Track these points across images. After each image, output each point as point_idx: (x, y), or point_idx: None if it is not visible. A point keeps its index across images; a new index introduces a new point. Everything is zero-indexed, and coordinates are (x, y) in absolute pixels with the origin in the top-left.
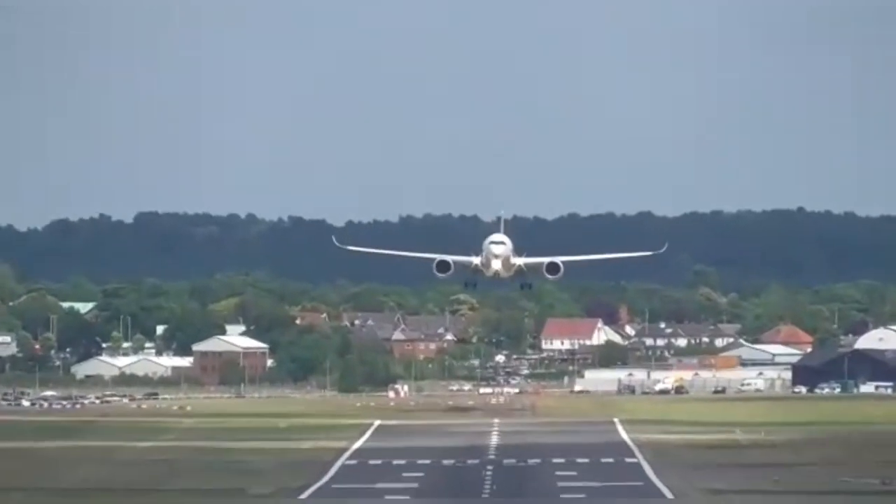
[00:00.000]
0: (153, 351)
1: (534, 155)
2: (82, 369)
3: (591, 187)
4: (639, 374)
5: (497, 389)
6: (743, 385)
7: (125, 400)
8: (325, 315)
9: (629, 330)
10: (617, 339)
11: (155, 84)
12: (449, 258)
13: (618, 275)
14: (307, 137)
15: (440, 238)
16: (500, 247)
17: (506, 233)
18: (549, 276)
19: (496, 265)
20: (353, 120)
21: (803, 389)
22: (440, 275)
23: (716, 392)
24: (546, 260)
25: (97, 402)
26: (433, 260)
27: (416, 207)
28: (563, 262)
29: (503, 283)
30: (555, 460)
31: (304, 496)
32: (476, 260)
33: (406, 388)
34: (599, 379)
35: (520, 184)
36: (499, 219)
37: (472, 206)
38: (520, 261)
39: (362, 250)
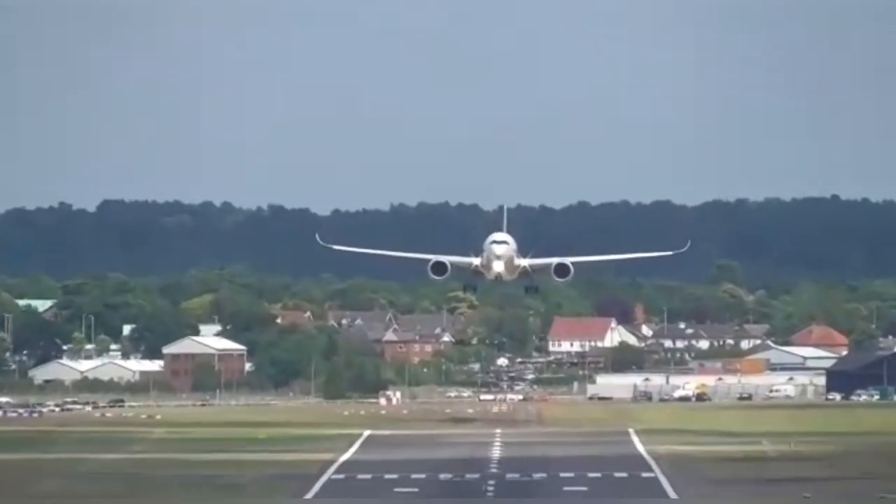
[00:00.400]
0: (119, 353)
1: (539, 138)
2: (40, 373)
3: (602, 173)
4: (656, 380)
5: (499, 396)
6: (771, 392)
7: (88, 408)
8: (308, 313)
9: (646, 330)
10: (632, 340)
11: (122, 64)
12: (446, 259)
13: (633, 270)
14: (289, 118)
15: (436, 229)
16: (502, 247)
17: (509, 229)
18: (558, 279)
19: (498, 267)
20: (339, 99)
21: (838, 396)
22: (436, 278)
23: (741, 399)
24: (554, 261)
25: (57, 409)
26: (428, 261)
27: (409, 195)
28: (574, 263)
29: (506, 286)
30: (563, 475)
31: None
32: (476, 261)
33: (399, 394)
34: (613, 384)
35: (524, 169)
36: (501, 207)
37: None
38: (524, 262)
39: (348, 250)
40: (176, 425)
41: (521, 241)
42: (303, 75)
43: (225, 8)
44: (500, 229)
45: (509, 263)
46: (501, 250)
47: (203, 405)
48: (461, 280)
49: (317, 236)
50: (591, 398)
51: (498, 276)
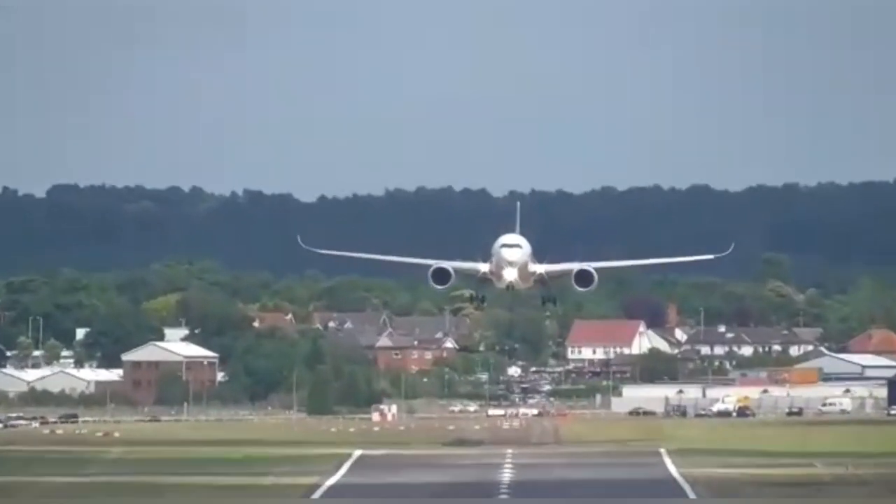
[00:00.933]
0: (71, 361)
1: (557, 114)
2: None
3: (630, 154)
4: (692, 392)
5: (511, 411)
6: (825, 405)
7: (35, 423)
8: (290, 315)
9: (679, 335)
10: (663, 346)
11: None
12: (449, 265)
13: (665, 265)
14: (268, 92)
15: (438, 218)
16: (514, 251)
17: (522, 221)
18: (580, 288)
19: (510, 275)
20: (325, 70)
21: None
22: (438, 287)
23: (790, 414)
24: (575, 267)
25: (0, 426)
26: (428, 267)
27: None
28: (598, 270)
29: (520, 296)
30: (585, 502)
31: None
32: (484, 267)
33: (394, 408)
34: (641, 397)
35: (539, 149)
36: (513, 198)
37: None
38: (540, 268)
39: (334, 254)
40: (137, 444)
41: (537, 232)
42: (284, 45)
43: None
44: (511, 229)
45: (523, 270)
46: (514, 255)
47: (168, 421)
48: (468, 287)
49: (298, 238)
50: (632, 413)
51: (510, 285)
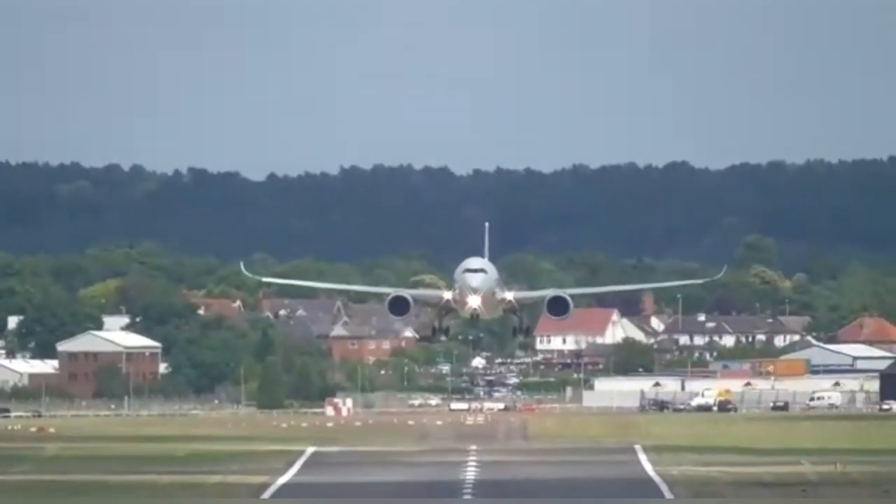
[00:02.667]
0: (3, 352)
1: (525, 87)
2: None
3: (604, 130)
4: (669, 385)
5: (475, 405)
6: (812, 399)
7: None
8: (238, 303)
9: (656, 324)
10: (639, 336)
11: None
12: (408, 294)
13: (640, 247)
14: (214, 61)
15: (396, 198)
16: (478, 276)
17: (489, 252)
18: (554, 317)
19: (474, 302)
20: (277, 39)
21: (894, 405)
22: (396, 317)
23: (775, 409)
24: (548, 293)
25: None
26: (385, 296)
27: (363, 156)
28: (574, 297)
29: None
30: (553, 502)
31: None
32: (447, 294)
33: (350, 402)
34: (615, 391)
35: (506, 125)
36: (475, 172)
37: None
38: (509, 295)
39: (279, 282)
40: (73, 440)
41: (503, 213)
42: (231, 11)
43: None
44: (479, 251)
45: (489, 298)
46: (478, 281)
47: (107, 415)
48: (429, 317)
49: (242, 265)
50: (644, 407)
51: (474, 314)
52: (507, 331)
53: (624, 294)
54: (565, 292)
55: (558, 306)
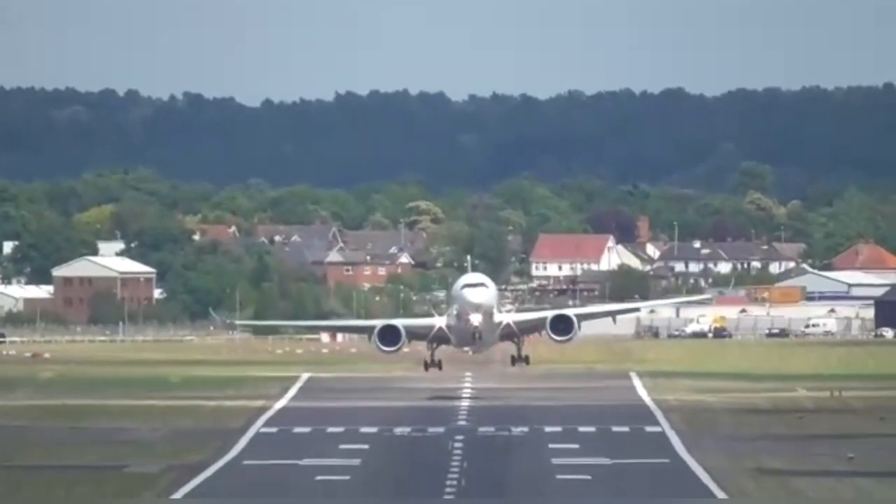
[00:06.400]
0: None
1: (520, 12)
2: None
3: (599, 56)
4: (665, 311)
5: None
6: (808, 326)
7: None
8: (233, 228)
9: (651, 251)
10: (634, 262)
11: None
12: (399, 323)
13: (635, 174)
14: None
15: (392, 124)
16: (479, 291)
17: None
18: (558, 339)
19: (476, 319)
20: None
21: (890, 333)
22: (386, 349)
23: (770, 335)
24: (549, 314)
25: None
26: (372, 328)
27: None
28: (579, 316)
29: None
30: (548, 429)
31: (202, 476)
32: (440, 322)
33: None
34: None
35: (501, 51)
36: (471, 98)
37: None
38: (507, 318)
39: (253, 323)
40: (69, 364)
41: (499, 139)
42: None
43: None
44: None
45: (488, 319)
46: (479, 296)
47: (102, 341)
48: (421, 348)
49: (210, 310)
50: (639, 334)
51: (476, 334)
52: (503, 256)
53: (619, 219)
54: (569, 311)
55: (562, 326)
